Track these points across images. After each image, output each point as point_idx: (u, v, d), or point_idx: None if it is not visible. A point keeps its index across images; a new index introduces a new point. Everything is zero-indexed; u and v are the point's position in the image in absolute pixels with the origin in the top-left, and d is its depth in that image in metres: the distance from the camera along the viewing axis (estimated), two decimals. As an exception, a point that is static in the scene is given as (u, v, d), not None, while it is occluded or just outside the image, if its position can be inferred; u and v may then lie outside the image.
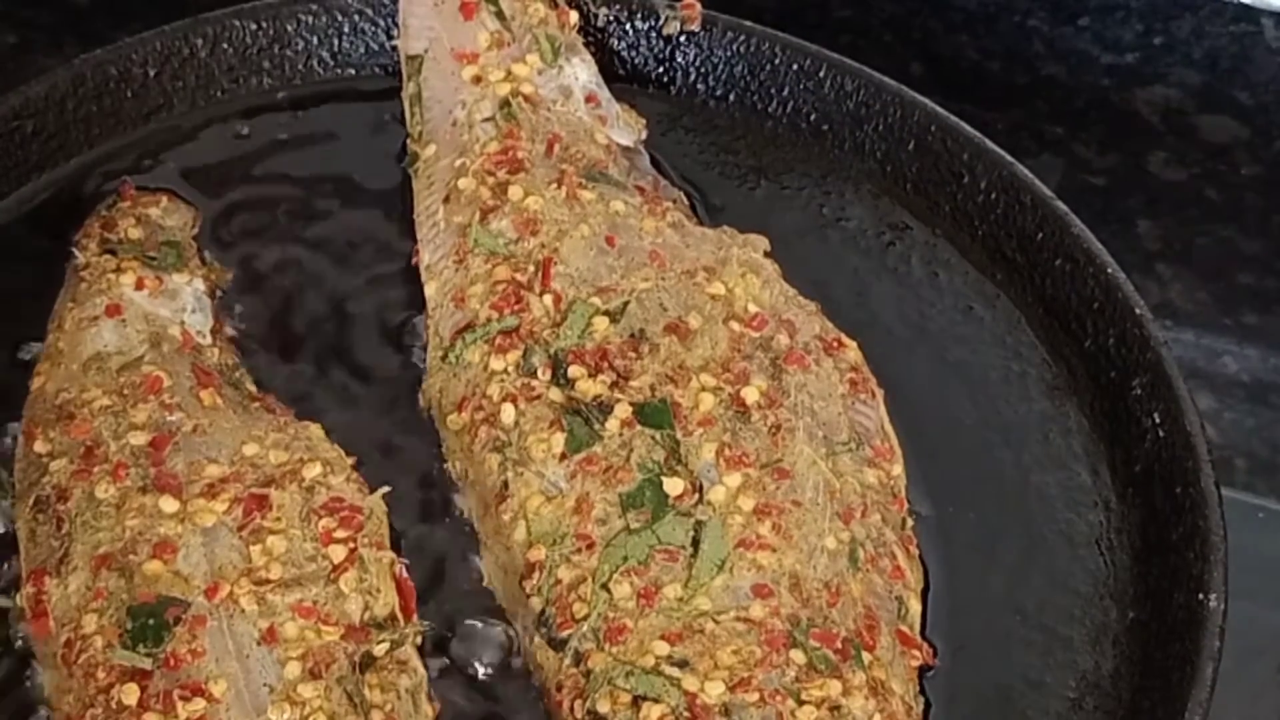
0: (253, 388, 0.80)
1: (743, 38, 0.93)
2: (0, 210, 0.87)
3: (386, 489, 0.74)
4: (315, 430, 0.76)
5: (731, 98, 0.94)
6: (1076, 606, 0.75)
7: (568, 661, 0.70)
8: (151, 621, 0.68)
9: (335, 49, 0.94)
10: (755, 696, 0.67)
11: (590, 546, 0.71)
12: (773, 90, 0.93)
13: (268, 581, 0.69)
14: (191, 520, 0.71)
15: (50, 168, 0.89)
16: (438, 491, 0.78)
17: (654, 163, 0.89)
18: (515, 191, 0.82)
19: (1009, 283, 0.86)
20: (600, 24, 0.94)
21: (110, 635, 0.68)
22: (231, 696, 0.66)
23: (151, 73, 0.91)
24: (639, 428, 0.74)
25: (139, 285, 0.81)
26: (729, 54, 0.93)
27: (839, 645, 0.69)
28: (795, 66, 0.93)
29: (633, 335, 0.77)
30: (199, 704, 0.66)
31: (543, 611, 0.71)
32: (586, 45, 0.91)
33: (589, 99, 0.89)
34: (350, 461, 0.75)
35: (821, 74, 0.92)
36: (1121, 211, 1.06)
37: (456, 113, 0.87)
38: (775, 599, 0.69)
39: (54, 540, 0.72)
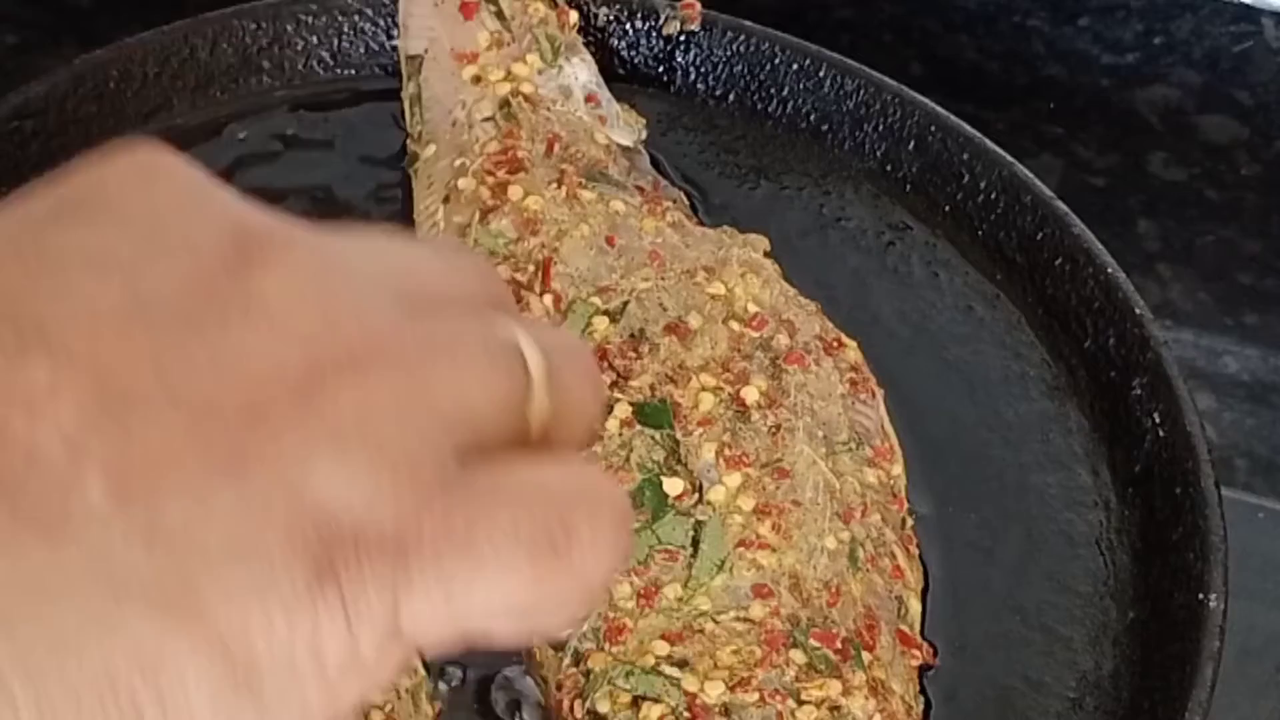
0: (253, 388, 0.80)
1: (743, 38, 0.93)
2: None
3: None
4: (315, 430, 0.76)
5: (731, 98, 0.94)
6: (1076, 606, 0.75)
7: (567, 661, 0.70)
8: (151, 621, 0.68)
9: (335, 49, 0.94)
10: (755, 696, 0.67)
11: (590, 546, 0.71)
12: (773, 90, 0.93)
13: (268, 581, 0.69)
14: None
15: (50, 168, 0.88)
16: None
17: (654, 163, 0.89)
18: (515, 191, 0.82)
19: (1009, 283, 0.86)
20: (600, 24, 0.94)
21: (110, 635, 0.68)
22: (231, 696, 0.66)
23: (151, 73, 0.91)
24: (639, 427, 0.74)
25: (139, 285, 0.81)
26: (729, 54, 0.93)
27: (839, 645, 0.69)
28: (795, 66, 0.93)
29: (632, 335, 0.77)
30: (199, 704, 0.66)
31: (543, 611, 0.71)
32: (586, 45, 0.91)
33: (589, 99, 0.89)
34: (350, 461, 0.75)
35: (821, 74, 0.92)
36: (1121, 211, 1.06)
37: (456, 113, 0.87)
38: (775, 599, 0.69)
39: (54, 540, 0.72)
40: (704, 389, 0.75)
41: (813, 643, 0.68)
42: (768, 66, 0.93)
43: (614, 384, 0.75)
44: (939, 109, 0.90)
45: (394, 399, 0.35)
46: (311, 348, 0.35)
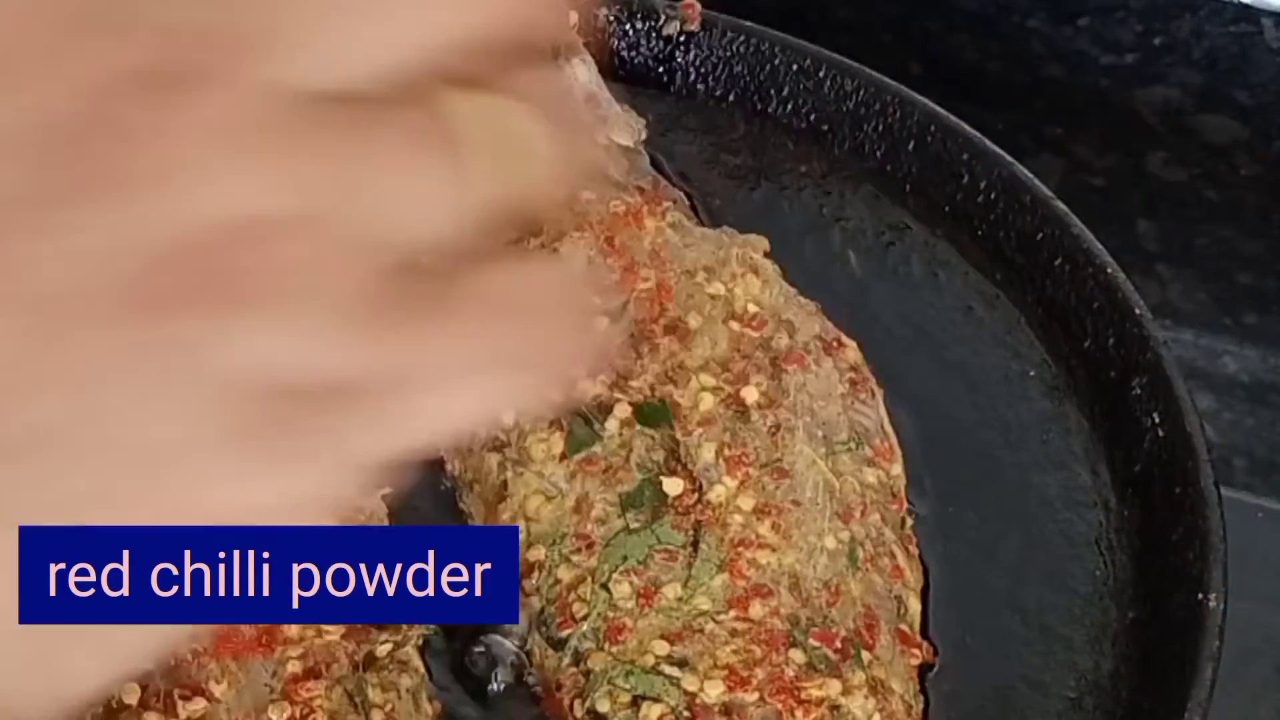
0: (253, 388, 0.80)
1: (743, 38, 0.93)
2: (0, 210, 0.87)
3: (386, 489, 0.74)
4: (315, 430, 0.76)
5: (731, 98, 0.94)
6: (1076, 606, 0.75)
7: (567, 661, 0.70)
8: (151, 621, 0.68)
9: (335, 49, 0.94)
10: (755, 696, 0.67)
11: (590, 546, 0.71)
12: (773, 90, 0.93)
13: (267, 581, 0.69)
14: (191, 520, 0.71)
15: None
16: (437, 492, 0.78)
17: (654, 163, 0.89)
18: (515, 191, 0.82)
19: (1009, 283, 0.86)
20: (600, 24, 0.94)
21: (110, 635, 0.68)
22: (231, 696, 0.66)
23: (151, 73, 0.91)
24: (638, 427, 0.74)
25: (139, 285, 0.81)
26: (729, 54, 0.93)
27: (838, 645, 0.68)
28: (795, 66, 0.93)
29: (632, 335, 0.77)
30: (199, 704, 0.66)
31: (542, 611, 0.71)
32: (586, 45, 0.91)
33: (589, 99, 0.89)
34: (350, 462, 0.75)
35: (821, 74, 0.92)
36: (1121, 211, 1.06)
37: (456, 113, 0.87)
38: (775, 599, 0.69)
39: (54, 540, 0.72)
40: (704, 389, 0.75)
41: (812, 642, 0.68)
42: (768, 66, 0.93)
43: (614, 384, 0.75)
44: (939, 109, 0.90)
45: (309, 243, 0.33)
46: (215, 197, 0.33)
